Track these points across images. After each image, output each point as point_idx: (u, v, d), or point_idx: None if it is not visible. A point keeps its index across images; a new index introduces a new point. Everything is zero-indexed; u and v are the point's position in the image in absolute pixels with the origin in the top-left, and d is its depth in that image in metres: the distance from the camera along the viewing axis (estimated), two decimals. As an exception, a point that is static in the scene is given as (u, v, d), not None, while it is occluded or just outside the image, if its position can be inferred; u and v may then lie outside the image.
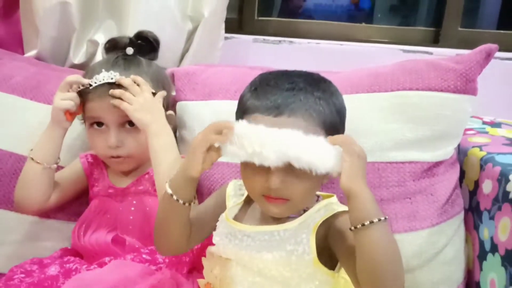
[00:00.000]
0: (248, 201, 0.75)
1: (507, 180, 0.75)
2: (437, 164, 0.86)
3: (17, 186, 0.90)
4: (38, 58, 1.18)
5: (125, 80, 0.86)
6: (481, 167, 0.85)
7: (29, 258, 0.88)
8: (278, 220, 0.69)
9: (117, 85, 0.87)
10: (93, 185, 0.94)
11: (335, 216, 0.68)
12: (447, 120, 0.85)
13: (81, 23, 1.18)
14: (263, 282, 0.68)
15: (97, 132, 0.89)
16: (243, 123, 0.63)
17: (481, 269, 0.82)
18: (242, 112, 0.68)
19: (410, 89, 0.85)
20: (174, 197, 0.68)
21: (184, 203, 0.68)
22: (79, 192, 0.96)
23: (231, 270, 0.70)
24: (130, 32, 1.01)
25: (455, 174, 0.88)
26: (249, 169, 0.66)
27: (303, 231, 0.67)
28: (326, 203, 0.70)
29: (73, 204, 0.97)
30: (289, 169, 0.63)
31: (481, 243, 0.83)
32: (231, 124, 0.63)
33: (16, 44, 1.22)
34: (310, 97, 0.65)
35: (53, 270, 0.83)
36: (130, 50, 0.93)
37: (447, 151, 0.86)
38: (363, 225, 0.58)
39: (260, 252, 0.67)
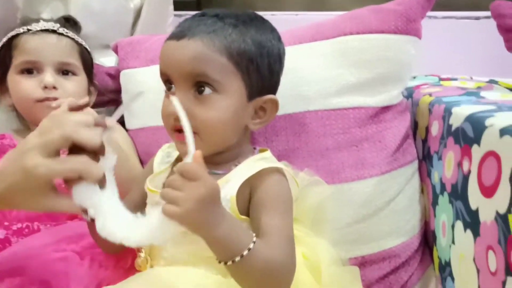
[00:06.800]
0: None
1: (450, 114, 0.72)
2: (383, 110, 0.82)
3: None
4: (-18, 39, 1.15)
5: None
6: (429, 111, 0.82)
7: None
8: None
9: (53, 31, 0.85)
10: None
11: (260, 175, 0.61)
12: (390, 62, 0.81)
13: (25, 3, 1.14)
14: (187, 240, 0.60)
15: (27, 77, 0.83)
16: None
17: (434, 216, 0.79)
18: None
19: (351, 33, 0.81)
20: None
21: None
22: None
23: None
24: (76, 13, 1.03)
25: (404, 121, 0.85)
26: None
27: (227, 191, 0.60)
28: (257, 158, 0.65)
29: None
30: (193, 96, 0.60)
31: (433, 188, 0.79)
32: None
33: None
34: (219, 23, 0.62)
35: None
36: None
37: (392, 95, 0.83)
38: (233, 261, 0.53)
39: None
